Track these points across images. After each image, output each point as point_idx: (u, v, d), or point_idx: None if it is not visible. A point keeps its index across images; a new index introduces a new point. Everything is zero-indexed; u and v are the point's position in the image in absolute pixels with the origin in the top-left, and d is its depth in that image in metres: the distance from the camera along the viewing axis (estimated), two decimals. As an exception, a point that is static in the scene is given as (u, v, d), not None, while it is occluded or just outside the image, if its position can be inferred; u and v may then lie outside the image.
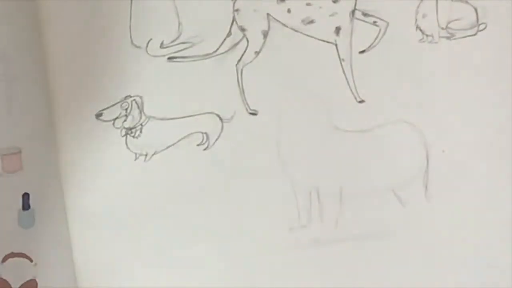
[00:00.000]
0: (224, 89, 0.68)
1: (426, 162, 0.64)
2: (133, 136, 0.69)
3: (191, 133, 0.68)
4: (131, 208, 0.69)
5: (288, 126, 0.67)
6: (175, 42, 0.69)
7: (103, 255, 0.70)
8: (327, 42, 0.66)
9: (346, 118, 0.65)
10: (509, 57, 0.62)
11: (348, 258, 0.65)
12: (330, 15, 0.66)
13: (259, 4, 0.67)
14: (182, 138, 0.69)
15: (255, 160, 0.67)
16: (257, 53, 0.67)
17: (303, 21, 0.66)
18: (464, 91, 0.63)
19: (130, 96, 0.69)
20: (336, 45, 0.66)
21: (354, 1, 0.65)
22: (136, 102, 0.69)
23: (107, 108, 0.69)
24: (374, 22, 0.65)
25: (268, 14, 0.67)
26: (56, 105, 0.70)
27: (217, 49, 0.68)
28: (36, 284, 0.67)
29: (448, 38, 0.64)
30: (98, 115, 0.69)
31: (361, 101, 0.65)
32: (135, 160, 0.69)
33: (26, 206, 0.67)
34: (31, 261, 0.67)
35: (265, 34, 0.67)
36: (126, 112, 0.69)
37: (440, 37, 0.64)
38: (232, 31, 0.68)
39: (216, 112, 0.68)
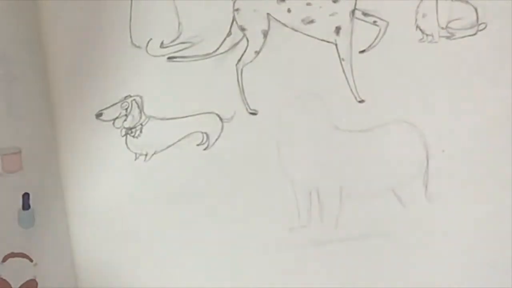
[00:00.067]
0: (224, 89, 0.67)
1: (426, 162, 0.64)
2: (133, 136, 0.69)
3: (191, 133, 0.69)
4: (131, 208, 0.69)
5: (288, 126, 0.67)
6: (175, 42, 0.68)
7: (103, 255, 0.70)
8: (327, 42, 0.66)
9: (346, 118, 0.65)
10: (509, 57, 0.62)
11: (348, 258, 0.65)
12: (330, 15, 0.66)
13: (259, 4, 0.67)
14: (182, 138, 0.69)
15: (255, 160, 0.67)
16: (257, 53, 0.67)
17: (303, 21, 0.66)
18: (464, 91, 0.63)
19: (130, 96, 0.69)
20: (336, 45, 0.66)
21: (354, 1, 0.65)
22: (136, 102, 0.69)
23: (107, 108, 0.69)
24: (374, 22, 0.65)
25: (268, 14, 0.67)
26: (56, 105, 0.70)
27: (217, 49, 0.68)
28: (36, 284, 0.67)
29: (448, 38, 0.64)
30: (98, 115, 0.70)
31: (361, 101, 0.65)
32: (135, 160, 0.69)
33: (26, 206, 0.67)
34: (31, 261, 0.67)
35: (265, 34, 0.67)
36: (126, 112, 0.69)
37: (440, 37, 0.64)
38: (232, 31, 0.68)
39: (216, 112, 0.68)
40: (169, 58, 0.69)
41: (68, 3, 0.70)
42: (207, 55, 0.68)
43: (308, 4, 0.66)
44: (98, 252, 0.70)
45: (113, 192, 0.70)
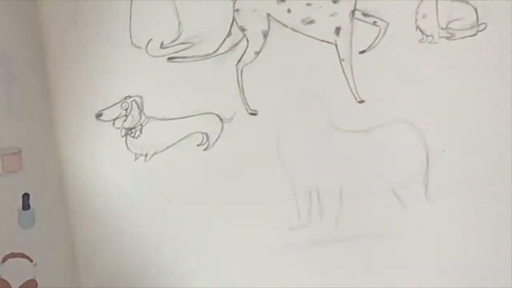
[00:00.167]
0: (224, 89, 0.68)
1: (426, 162, 0.64)
2: (133, 136, 0.69)
3: (191, 133, 0.69)
4: (131, 208, 0.69)
5: (288, 126, 0.67)
6: (175, 42, 0.69)
7: (103, 255, 0.70)
8: (327, 42, 0.66)
9: (346, 118, 0.65)
10: (509, 57, 0.62)
11: (348, 258, 0.65)
12: (330, 15, 0.66)
13: (259, 4, 0.67)
14: (182, 138, 0.69)
15: (255, 160, 0.67)
16: (257, 53, 0.67)
17: (303, 21, 0.66)
18: (464, 91, 0.63)
19: (130, 96, 0.69)
20: (336, 45, 0.66)
21: (354, 1, 0.65)
22: (136, 102, 0.69)
23: (107, 108, 0.69)
24: (374, 22, 0.65)
25: (268, 14, 0.67)
26: (56, 105, 0.70)
27: (217, 49, 0.68)
28: (36, 284, 0.67)
29: (448, 38, 0.64)
30: (98, 115, 0.70)
31: (361, 101, 0.65)
32: (135, 160, 0.69)
33: (26, 206, 0.67)
34: (31, 261, 0.67)
35: (265, 34, 0.67)
36: (126, 112, 0.69)
37: (440, 37, 0.64)
38: (232, 31, 0.68)
39: (216, 112, 0.68)
40: (169, 58, 0.69)
41: (68, 3, 0.70)
42: (207, 56, 0.68)
43: (308, 4, 0.66)
44: (98, 252, 0.70)
45: (113, 192, 0.70)
